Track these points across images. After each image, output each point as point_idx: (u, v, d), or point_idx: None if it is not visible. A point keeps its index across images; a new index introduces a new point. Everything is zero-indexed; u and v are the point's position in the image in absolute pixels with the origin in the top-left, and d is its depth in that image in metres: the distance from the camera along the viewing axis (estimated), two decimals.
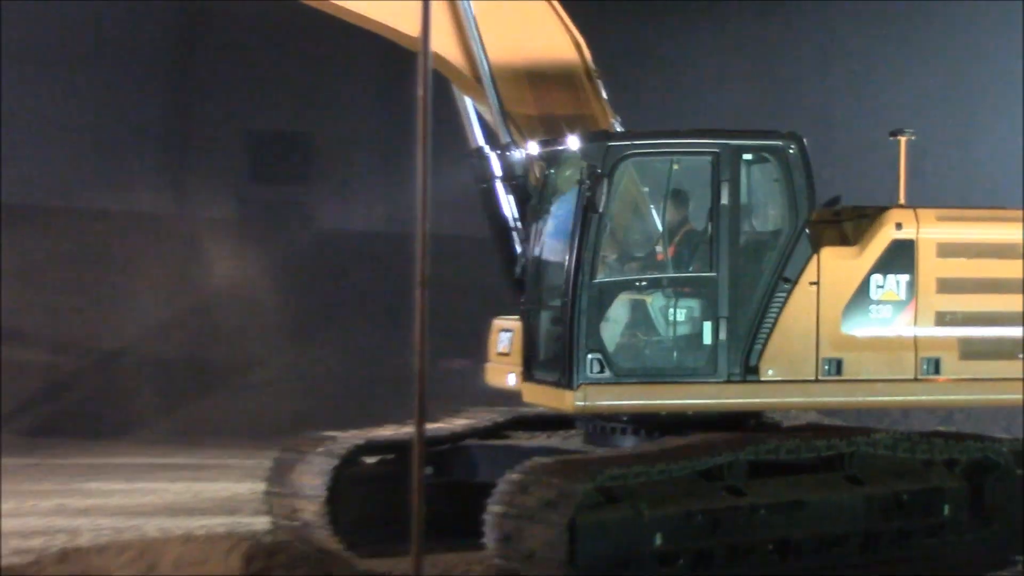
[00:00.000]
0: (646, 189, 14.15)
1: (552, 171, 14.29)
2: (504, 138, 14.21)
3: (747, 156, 13.91)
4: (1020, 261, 14.42)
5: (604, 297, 13.62)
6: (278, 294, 26.02)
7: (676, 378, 13.83)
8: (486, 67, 13.94)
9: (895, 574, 13.87)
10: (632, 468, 13.12)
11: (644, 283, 13.93)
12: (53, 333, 24.81)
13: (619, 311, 13.80)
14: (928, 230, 14.25)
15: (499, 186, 14.48)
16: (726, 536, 13.45)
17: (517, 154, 14.17)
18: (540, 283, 14.23)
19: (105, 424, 23.27)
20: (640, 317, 13.89)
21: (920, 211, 14.30)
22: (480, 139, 14.54)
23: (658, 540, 13.03)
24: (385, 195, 27.08)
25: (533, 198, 14.36)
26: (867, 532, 14.09)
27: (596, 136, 13.79)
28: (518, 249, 14.50)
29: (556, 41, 14.27)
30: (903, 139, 14.77)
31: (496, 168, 14.43)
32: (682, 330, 13.93)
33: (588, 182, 13.41)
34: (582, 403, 13.38)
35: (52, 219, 26.63)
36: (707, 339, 13.78)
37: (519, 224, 14.52)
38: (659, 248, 14.15)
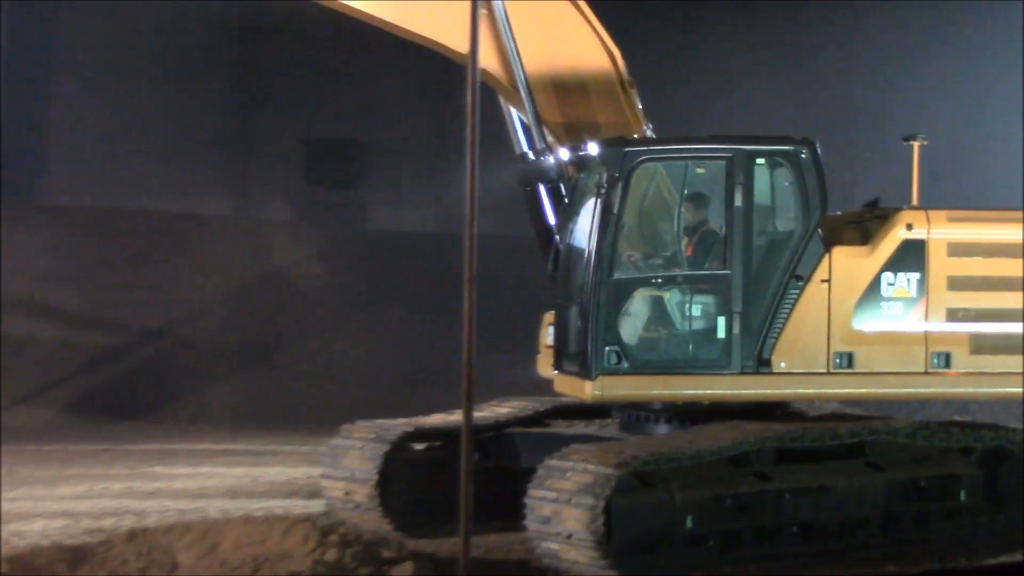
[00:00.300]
0: (663, 192, 14.15)
1: (580, 175, 14.29)
2: (539, 144, 14.24)
3: (760, 161, 13.87)
4: (1016, 261, 14.34)
5: (621, 293, 13.69)
6: (334, 290, 26.08)
7: (690, 370, 13.85)
8: (522, 76, 13.96)
9: (914, 556, 13.79)
10: (664, 455, 13.18)
11: (660, 280, 13.95)
12: (126, 326, 24.87)
13: (636, 306, 13.84)
14: (939, 230, 14.19)
15: (541, 189, 14.52)
16: (753, 519, 13.47)
17: (553, 159, 14.22)
18: (569, 280, 14.28)
19: (172, 412, 23.36)
20: (656, 312, 13.93)
21: (932, 212, 14.26)
22: (524, 145, 14.55)
23: (689, 522, 13.06)
24: (434, 197, 27.14)
25: (565, 200, 14.38)
26: (887, 515, 14.09)
27: (613, 142, 13.85)
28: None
29: (591, 52, 14.27)
30: (916, 144, 14.78)
31: (536, 172, 14.48)
32: (697, 324, 13.93)
33: (606, 185, 13.48)
34: (599, 392, 13.48)
35: (128, 220, 26.74)
36: (721, 333, 13.78)
37: (555, 219, 14.59)
38: (675, 247, 14.21)
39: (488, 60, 13.64)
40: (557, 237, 14.54)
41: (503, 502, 12.94)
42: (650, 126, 14.65)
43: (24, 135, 27.47)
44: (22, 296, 24.42)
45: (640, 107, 14.52)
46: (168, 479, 18.50)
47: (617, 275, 13.63)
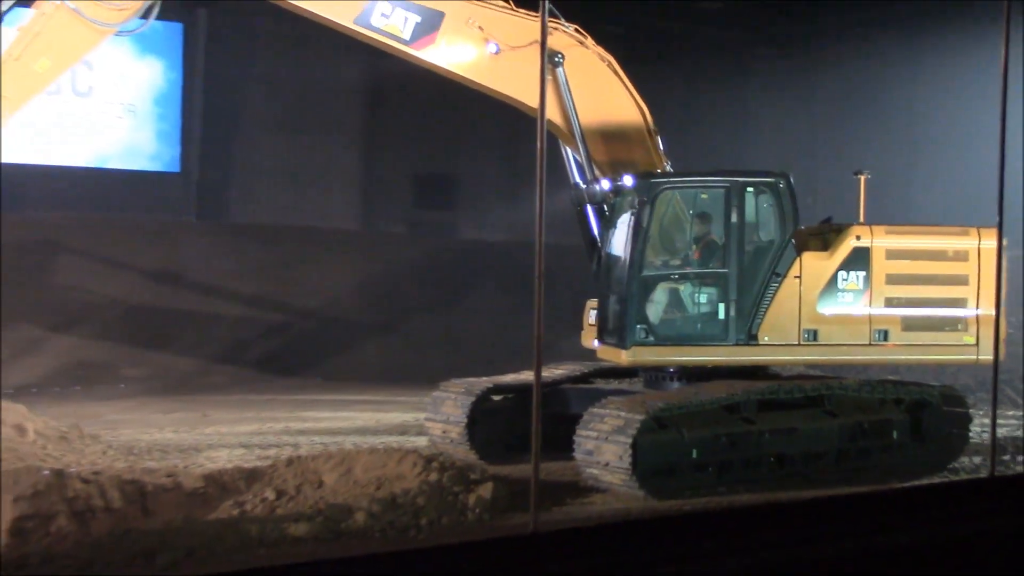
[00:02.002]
0: (679, 212, 14.19)
1: (617, 199, 14.27)
2: (589, 176, 14.22)
3: (750, 189, 13.92)
4: (944, 262, 14.41)
5: (648, 286, 13.75)
6: (435, 283, 26.11)
7: (699, 342, 13.94)
8: (577, 126, 13.93)
9: (859, 479, 13.69)
10: (676, 404, 13.16)
11: (676, 276, 14.01)
12: (287, 308, 25.00)
13: (658, 295, 13.86)
14: (879, 240, 14.18)
15: (588, 209, 14.51)
16: (741, 451, 13.45)
17: (598, 188, 14.22)
18: (609, 276, 14.30)
19: (320, 371, 23.45)
20: (673, 300, 13.96)
21: (874, 227, 14.27)
22: (576, 176, 14.50)
23: (694, 454, 13.07)
24: (507, 215, 27.03)
25: (606, 217, 14.39)
26: (839, 450, 14.02)
27: (644, 175, 13.93)
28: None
29: (628, 108, 14.24)
30: (862, 177, 14.86)
31: (585, 196, 14.46)
32: (704, 309, 14.00)
33: (637, 207, 13.59)
34: (632, 358, 13.61)
35: (288, 233, 26.87)
36: (721, 315, 13.84)
37: (598, 233, 14.58)
38: (687, 252, 14.20)
39: (552, 113, 13.56)
40: (600, 245, 14.55)
41: (558, 440, 12.87)
42: (668, 162, 14.61)
43: (218, 168, 27.67)
44: (214, 286, 24.59)
45: (662, 148, 14.47)
46: (315, 421, 18.56)
47: (645, 272, 13.71)
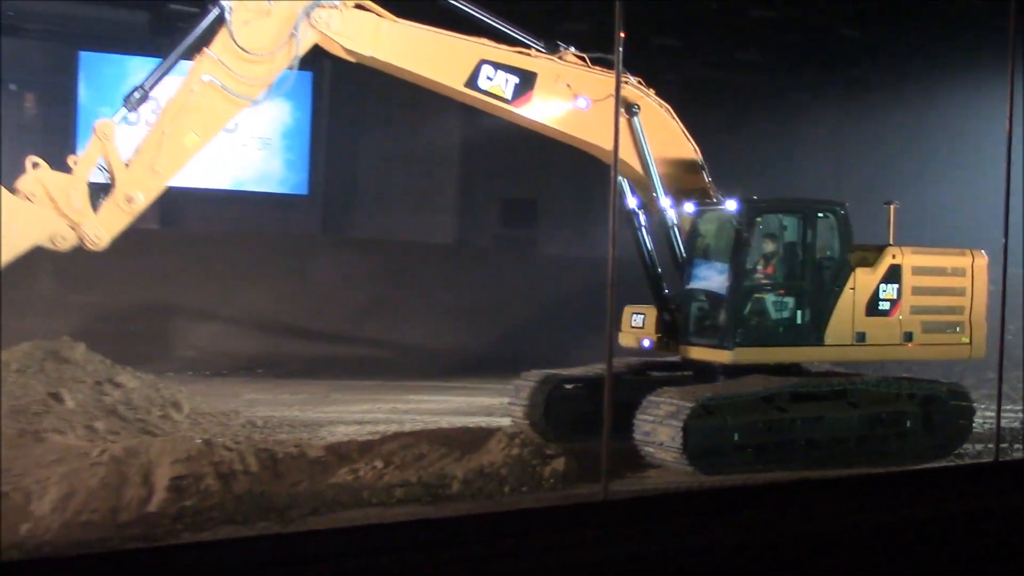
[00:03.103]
0: (769, 232, 14.02)
1: (704, 220, 14.12)
2: (657, 205, 13.84)
3: (820, 214, 13.88)
4: (950, 277, 14.49)
5: (747, 295, 13.60)
6: (518, 289, 26.05)
7: (783, 344, 13.79)
8: (652, 166, 13.67)
9: (877, 462, 13.46)
10: (721, 395, 13.02)
11: (767, 287, 13.82)
12: (396, 308, 25.01)
13: (754, 304, 13.70)
14: (909, 258, 14.22)
15: (642, 231, 14.19)
16: (776, 435, 13.27)
17: (672, 212, 13.87)
18: (699, 287, 13.98)
19: (419, 360, 23.49)
20: (764, 307, 13.77)
21: (904, 248, 14.27)
22: (633, 203, 14.27)
23: (736, 437, 12.92)
24: (581, 234, 26.94)
25: (690, 236, 14.07)
26: (860, 436, 13.79)
27: (743, 201, 13.69)
28: (657, 268, 14.18)
29: (684, 147, 14.00)
30: (892, 206, 14.60)
31: (641, 219, 14.18)
32: (786, 315, 13.82)
33: (740, 228, 13.47)
34: (734, 359, 13.36)
35: (399, 246, 26.98)
36: (799, 321, 13.75)
37: (652, 251, 14.16)
38: (775, 266, 13.98)
39: (628, 155, 13.36)
40: (650, 261, 14.20)
41: (619, 423, 12.76)
42: (716, 190, 14.37)
43: (339, 191, 27.82)
44: (335, 290, 24.76)
45: (709, 179, 14.25)
46: (416, 403, 18.63)
47: (745, 284, 13.59)
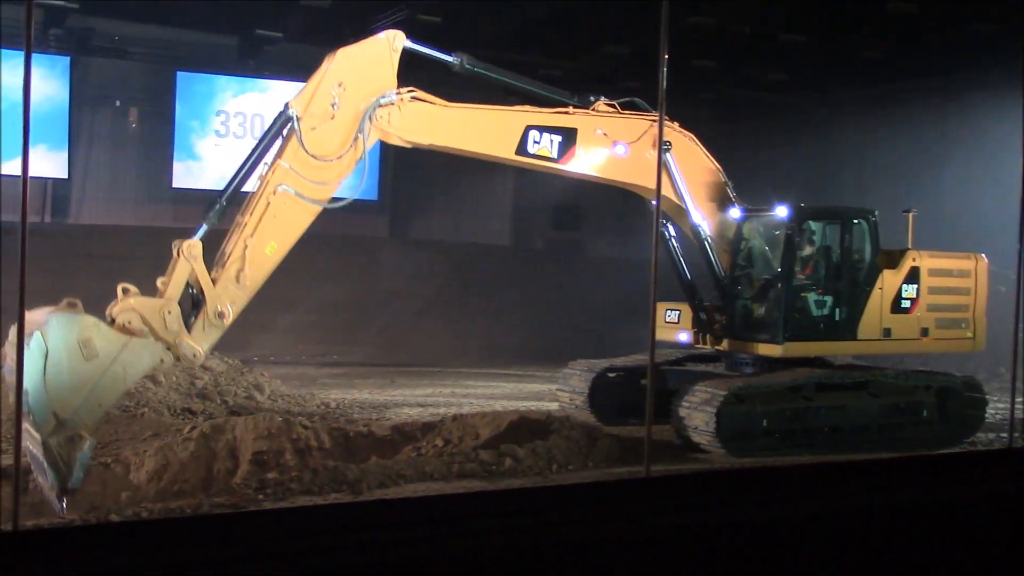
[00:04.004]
0: (814, 236, 13.91)
1: (751, 225, 13.97)
2: (691, 221, 13.49)
3: (855, 220, 13.79)
4: (959, 278, 14.40)
5: (795, 294, 13.47)
6: (566, 287, 25.95)
7: (824, 338, 13.65)
8: (685, 191, 13.36)
9: (895, 447, 13.23)
10: (752, 385, 12.86)
11: (812, 287, 13.66)
12: (459, 305, 25.02)
13: (801, 302, 13.55)
14: (926, 261, 14.10)
15: (673, 242, 13.73)
16: (802, 422, 13.10)
17: (700, 226, 13.56)
18: (747, 286, 13.82)
19: (479, 350, 23.46)
20: (809, 306, 13.62)
21: (923, 252, 14.15)
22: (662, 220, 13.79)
23: (764, 423, 12.78)
24: (625, 238, 26.69)
25: (736, 240, 13.85)
26: (880, 424, 13.59)
27: (793, 207, 13.56)
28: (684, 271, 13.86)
29: (710, 169, 13.71)
30: (910, 214, 14.39)
31: (671, 230, 13.75)
32: (826, 313, 13.65)
33: (790, 232, 13.40)
34: (784, 353, 13.22)
35: (458, 247, 27.03)
36: (837, 318, 13.62)
37: (683, 258, 13.81)
38: (819, 267, 13.84)
39: (664, 187, 13.16)
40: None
41: (658, 408, 12.69)
42: (739, 201, 14.09)
43: (405, 196, 27.82)
44: (400, 286, 24.85)
45: (733, 193, 13.96)
46: (473, 388, 18.68)
47: (794, 283, 13.46)
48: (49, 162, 21.67)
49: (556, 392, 15.21)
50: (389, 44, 10.84)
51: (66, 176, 22.43)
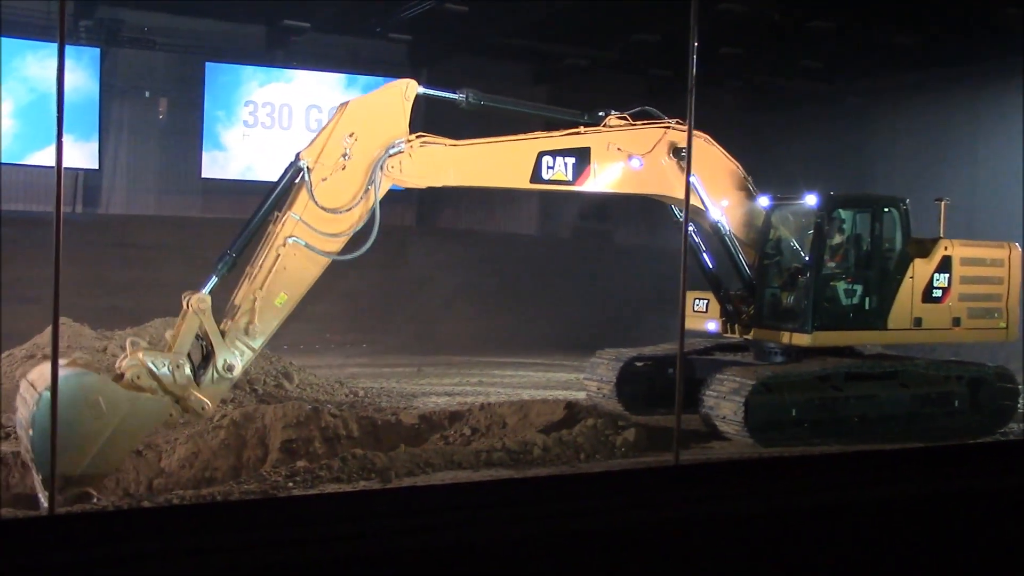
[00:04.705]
0: (844, 224, 13.77)
1: (780, 213, 13.88)
2: (710, 218, 13.38)
3: (886, 209, 13.66)
4: (991, 267, 14.23)
5: (825, 283, 13.39)
6: (592, 279, 25.90)
7: (853, 328, 13.56)
8: (704, 195, 13.22)
9: (926, 437, 13.12)
10: (780, 374, 12.79)
11: (842, 275, 13.56)
12: (477, 293, 24.99)
13: (830, 291, 13.48)
14: (958, 250, 13.97)
15: (695, 236, 13.63)
16: (830, 412, 13.01)
17: (720, 222, 13.45)
18: (776, 275, 13.73)
19: (507, 340, 23.47)
20: (839, 295, 13.54)
21: (954, 240, 14.02)
22: (677, 216, 13.54)
23: (793, 412, 12.71)
24: (649, 227, 26.56)
25: (764, 229, 13.75)
26: (910, 413, 13.47)
27: (823, 195, 13.48)
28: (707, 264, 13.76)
29: (727, 166, 13.51)
30: (943, 203, 14.22)
31: (693, 226, 13.60)
32: (856, 302, 13.57)
33: (819, 220, 13.30)
34: (813, 342, 13.13)
35: (476, 236, 27.01)
36: (867, 307, 13.54)
37: (706, 251, 13.69)
38: (848, 256, 13.72)
39: (681, 192, 12.97)
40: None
41: (686, 397, 12.64)
42: (758, 193, 13.96)
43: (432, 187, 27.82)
44: (429, 274, 24.87)
45: (753, 187, 13.81)
46: (501, 377, 18.70)
47: (823, 272, 13.38)
48: (78, 152, 21.87)
49: (583, 381, 15.20)
50: (402, 93, 10.73)
51: (97, 167, 22.62)
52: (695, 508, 4.18)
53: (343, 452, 10.54)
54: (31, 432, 8.75)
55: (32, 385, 9.17)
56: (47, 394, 8.54)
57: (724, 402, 12.34)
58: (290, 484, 9.57)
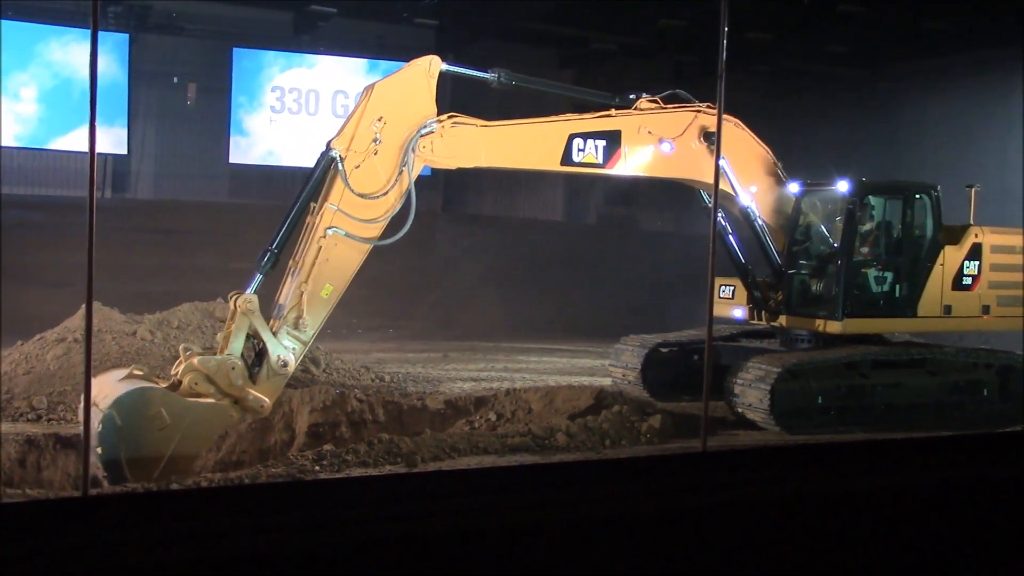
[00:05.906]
0: (875, 211, 13.66)
1: (810, 200, 13.76)
2: (739, 204, 13.19)
3: (917, 195, 13.50)
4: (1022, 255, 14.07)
5: (855, 270, 13.27)
6: (618, 261, 25.79)
7: (883, 315, 13.43)
8: (734, 181, 13.07)
9: (954, 426, 13.03)
10: (806, 361, 12.72)
11: (873, 262, 13.44)
12: (503, 278, 24.99)
13: (860, 278, 13.36)
14: (988, 237, 13.83)
15: (725, 221, 13.50)
16: (857, 400, 12.93)
17: (750, 208, 13.30)
18: (806, 262, 13.63)
19: (534, 327, 23.47)
20: (869, 282, 13.42)
21: (984, 227, 13.87)
22: (706, 201, 13.45)
23: (819, 400, 12.64)
24: (676, 213, 26.50)
25: (794, 215, 13.62)
26: (938, 402, 13.37)
27: (854, 181, 13.33)
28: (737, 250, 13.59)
29: (757, 151, 13.37)
30: (973, 190, 14.06)
31: (721, 212, 13.43)
32: (886, 289, 13.44)
33: (850, 207, 13.15)
34: (843, 329, 13.02)
35: (501, 222, 26.99)
36: (897, 295, 13.42)
37: (734, 238, 13.55)
38: (879, 243, 13.60)
39: (711, 176, 12.83)
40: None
41: (712, 384, 12.58)
42: (788, 179, 13.84)
43: (458, 172, 27.80)
44: (454, 259, 24.88)
45: (783, 173, 13.68)
46: (525, 363, 18.69)
47: (855, 259, 13.26)
48: (106, 138, 22.04)
49: (609, 368, 15.16)
50: (426, 71, 10.67)
51: (126, 151, 22.79)
52: (721, 495, 4.18)
53: (369, 436, 10.59)
54: (99, 451, 8.85)
55: (95, 404, 9.14)
56: (111, 412, 8.78)
57: (750, 390, 12.29)
58: (317, 468, 9.63)
